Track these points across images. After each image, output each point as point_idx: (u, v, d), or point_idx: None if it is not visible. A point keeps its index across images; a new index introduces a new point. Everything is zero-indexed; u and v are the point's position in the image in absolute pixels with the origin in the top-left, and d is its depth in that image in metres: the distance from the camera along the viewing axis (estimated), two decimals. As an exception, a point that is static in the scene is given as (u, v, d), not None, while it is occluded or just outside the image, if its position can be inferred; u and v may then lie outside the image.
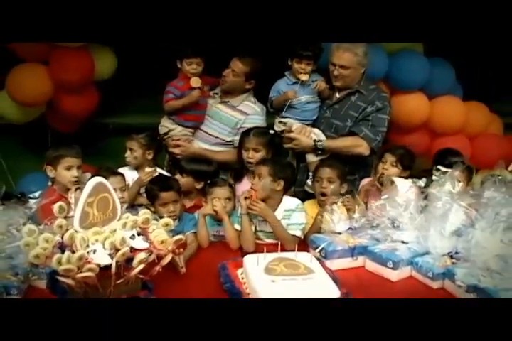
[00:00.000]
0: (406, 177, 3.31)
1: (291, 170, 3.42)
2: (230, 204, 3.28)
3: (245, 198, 3.17)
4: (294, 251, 2.77)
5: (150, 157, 3.71)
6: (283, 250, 2.72)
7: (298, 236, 3.17)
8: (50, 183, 3.50)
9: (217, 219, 3.25)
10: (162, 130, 4.01)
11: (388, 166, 3.58)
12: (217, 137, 4.00)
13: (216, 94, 4.09)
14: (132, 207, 3.31)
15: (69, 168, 3.20)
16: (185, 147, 3.93)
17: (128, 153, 3.68)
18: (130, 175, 3.60)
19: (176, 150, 3.93)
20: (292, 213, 3.26)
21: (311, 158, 3.80)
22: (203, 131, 4.03)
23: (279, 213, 3.25)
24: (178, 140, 3.95)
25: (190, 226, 3.18)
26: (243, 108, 4.00)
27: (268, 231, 3.24)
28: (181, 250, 2.52)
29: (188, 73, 3.87)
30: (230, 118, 3.99)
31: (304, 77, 3.81)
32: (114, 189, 3.01)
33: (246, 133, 3.73)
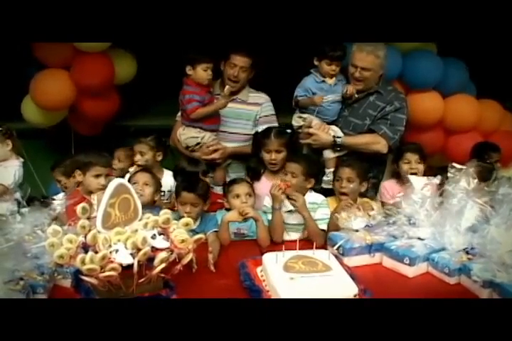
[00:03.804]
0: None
1: (320, 167, 3.57)
2: (251, 199, 3.30)
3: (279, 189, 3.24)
4: (323, 244, 2.99)
5: (160, 158, 3.76)
6: (301, 248, 2.73)
7: (324, 230, 3.26)
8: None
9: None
10: (192, 142, 3.88)
11: (415, 165, 3.71)
12: (243, 134, 4.04)
13: (218, 95, 3.97)
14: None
15: (97, 176, 3.21)
16: (223, 149, 3.92)
17: (138, 157, 3.71)
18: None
19: (216, 155, 3.88)
20: (318, 208, 3.36)
21: (329, 154, 3.79)
22: (226, 132, 4.02)
23: None
24: (212, 145, 3.88)
25: (211, 226, 3.20)
26: (253, 100, 4.08)
27: (293, 223, 3.34)
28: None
29: (203, 79, 3.78)
30: (248, 113, 4.06)
31: (330, 81, 3.79)
32: (137, 182, 3.09)
33: (266, 135, 3.68)
